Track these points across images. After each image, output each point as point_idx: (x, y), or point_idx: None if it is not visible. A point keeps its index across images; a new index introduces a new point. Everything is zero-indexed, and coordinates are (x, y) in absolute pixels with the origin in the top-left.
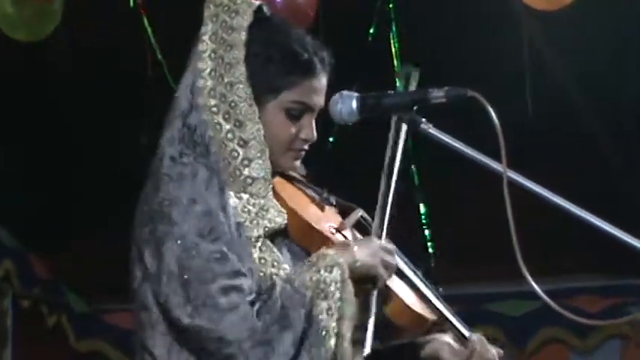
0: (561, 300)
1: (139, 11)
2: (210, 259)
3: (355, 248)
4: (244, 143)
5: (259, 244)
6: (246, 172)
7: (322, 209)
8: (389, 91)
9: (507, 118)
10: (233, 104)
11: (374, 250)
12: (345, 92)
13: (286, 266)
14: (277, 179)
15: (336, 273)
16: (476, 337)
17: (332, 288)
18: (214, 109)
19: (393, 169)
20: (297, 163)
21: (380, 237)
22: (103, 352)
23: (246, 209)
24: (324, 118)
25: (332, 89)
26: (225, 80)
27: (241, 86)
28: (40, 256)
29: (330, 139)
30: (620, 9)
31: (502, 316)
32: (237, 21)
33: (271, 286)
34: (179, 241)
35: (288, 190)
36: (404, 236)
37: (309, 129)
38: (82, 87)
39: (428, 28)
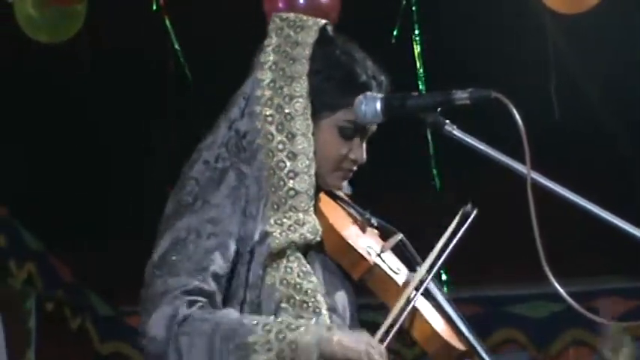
0: (583, 302)
1: (162, 13)
2: (188, 259)
3: (335, 338)
4: (293, 156)
5: (288, 253)
6: (290, 183)
7: (363, 229)
8: (413, 93)
9: (532, 120)
10: (289, 117)
11: (360, 340)
12: (369, 93)
13: (314, 279)
14: (322, 195)
15: (308, 339)
16: None
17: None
18: (269, 118)
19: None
20: (344, 183)
21: (382, 340)
22: (126, 355)
23: (279, 221)
24: None
25: None
26: (285, 92)
27: (301, 100)
28: (64, 259)
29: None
30: None
31: (524, 318)
32: (302, 36)
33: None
34: (174, 235)
35: (330, 206)
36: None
37: (360, 151)
38: (105, 88)
39: (451, 31)
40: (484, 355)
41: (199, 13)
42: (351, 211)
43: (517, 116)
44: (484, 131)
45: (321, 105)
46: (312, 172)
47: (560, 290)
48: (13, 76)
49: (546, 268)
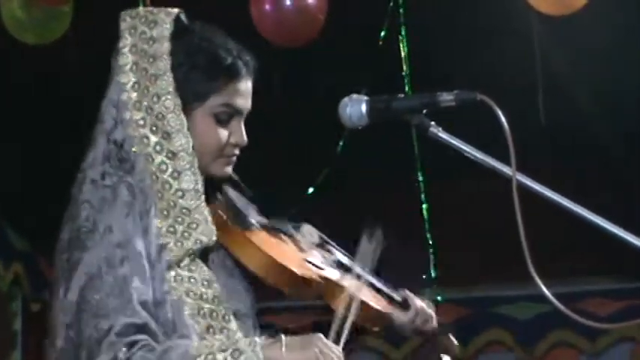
0: (571, 303)
1: None
2: (110, 294)
3: (283, 349)
4: (173, 155)
5: (186, 262)
6: (176, 184)
7: (282, 240)
8: (398, 95)
9: (519, 122)
10: (160, 116)
11: (310, 344)
12: (354, 96)
13: (217, 285)
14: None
15: None
16: (411, 295)
17: None
18: (141, 122)
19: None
20: (229, 169)
21: (336, 341)
22: None
23: (172, 229)
24: (334, 122)
25: (341, 93)
26: (151, 92)
27: (169, 97)
28: (51, 260)
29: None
30: (631, 13)
31: (511, 319)
32: (157, 32)
33: (163, 342)
34: (86, 270)
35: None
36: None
37: (239, 133)
38: (93, 89)
39: (437, 33)
40: (385, 289)
41: (186, 14)
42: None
43: (502, 118)
44: (470, 133)
45: (190, 96)
46: (196, 168)
47: (546, 292)
48: (0, 77)
49: (532, 269)
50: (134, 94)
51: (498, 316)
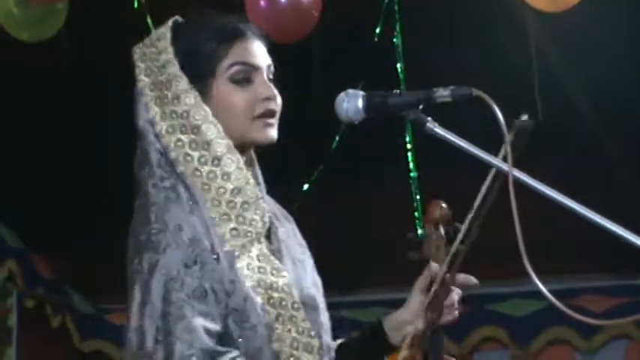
0: (566, 300)
1: (144, 12)
2: (191, 295)
3: None
4: (208, 145)
5: (256, 252)
6: (219, 170)
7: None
8: (395, 90)
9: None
10: (185, 114)
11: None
12: (350, 91)
13: (285, 273)
14: None
15: None
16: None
17: None
18: (170, 129)
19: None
20: (271, 131)
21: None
22: (107, 353)
23: (225, 216)
24: (331, 118)
25: (338, 88)
26: (170, 97)
27: (187, 94)
28: (44, 256)
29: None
30: (626, 9)
31: (506, 315)
32: (161, 44)
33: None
34: (164, 271)
35: None
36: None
37: (264, 86)
38: (87, 87)
39: (433, 30)
40: None
41: (181, 12)
42: None
43: (498, 113)
44: (466, 129)
45: (203, 76)
46: (233, 149)
47: (542, 287)
48: None
49: (527, 266)
50: (157, 109)
51: (493, 313)
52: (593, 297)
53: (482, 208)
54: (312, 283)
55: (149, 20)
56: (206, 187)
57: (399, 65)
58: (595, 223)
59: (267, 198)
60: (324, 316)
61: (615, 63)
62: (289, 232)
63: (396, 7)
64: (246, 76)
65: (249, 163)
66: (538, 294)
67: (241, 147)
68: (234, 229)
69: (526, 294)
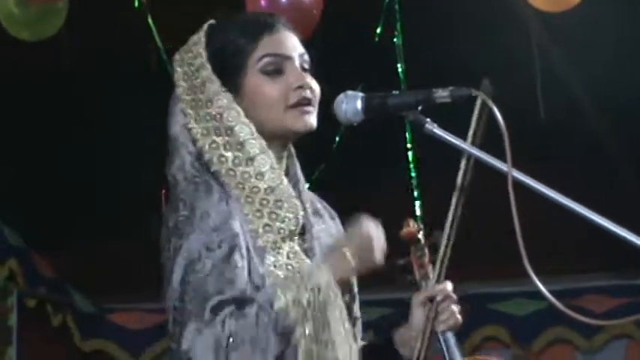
0: (567, 300)
1: (144, 11)
2: (211, 274)
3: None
4: (241, 146)
5: (286, 250)
6: (252, 170)
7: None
8: (394, 91)
9: (517, 119)
10: (218, 117)
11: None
12: (349, 92)
13: None
14: None
15: (321, 293)
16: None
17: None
18: (204, 131)
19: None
20: (308, 119)
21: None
22: (108, 352)
23: (258, 213)
24: (330, 119)
25: (337, 89)
26: (204, 100)
27: (219, 96)
28: (45, 255)
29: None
30: (627, 9)
31: (507, 315)
32: (196, 48)
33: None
34: (186, 255)
35: None
36: None
37: (296, 73)
38: (87, 86)
39: (434, 29)
40: None
41: (182, 11)
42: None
43: (498, 114)
44: (465, 130)
45: (234, 72)
46: (266, 149)
47: (542, 288)
48: None
49: (527, 266)
50: (192, 112)
51: (495, 312)
52: (594, 297)
53: (456, 208)
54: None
55: (149, 19)
56: (240, 185)
57: (399, 65)
58: (596, 224)
59: (309, 193)
60: (353, 316)
61: (618, 62)
62: (330, 228)
63: (396, 7)
64: (277, 67)
65: (287, 157)
66: (540, 293)
67: (280, 139)
68: (267, 225)
69: (528, 294)
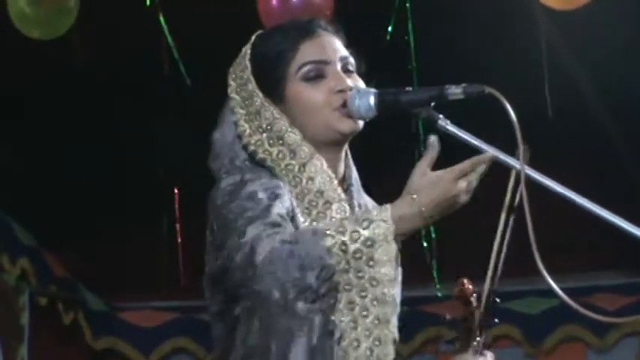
0: (579, 298)
1: (156, 10)
2: (248, 198)
3: (414, 196)
4: (293, 154)
5: None
6: (304, 175)
7: None
8: (407, 88)
9: (526, 117)
10: (269, 127)
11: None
12: (362, 88)
13: None
14: None
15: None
16: None
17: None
18: (259, 142)
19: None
20: (353, 120)
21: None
22: (119, 350)
23: (307, 210)
24: None
25: None
26: (252, 112)
27: (264, 108)
28: (57, 254)
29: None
30: (636, 7)
31: (519, 314)
32: (244, 61)
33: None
34: (222, 194)
35: None
36: None
37: (337, 77)
38: (99, 85)
39: (444, 28)
40: None
41: (194, 9)
42: None
43: (510, 110)
44: (478, 127)
45: (276, 82)
46: (314, 152)
47: (554, 286)
48: (6, 73)
49: (540, 264)
50: (246, 125)
51: (506, 311)
52: (605, 295)
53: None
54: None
55: (161, 17)
56: (292, 183)
57: (411, 64)
58: (607, 221)
59: (365, 199)
60: (394, 313)
61: (626, 60)
62: None
63: (407, 6)
64: (317, 73)
65: (343, 160)
66: (551, 292)
67: (329, 143)
68: (313, 221)
69: (540, 292)
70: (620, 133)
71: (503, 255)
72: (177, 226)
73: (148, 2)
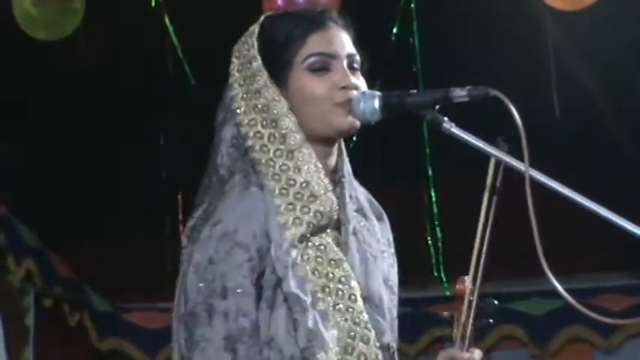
0: (584, 299)
1: (161, 10)
2: (213, 292)
3: None
4: (283, 138)
5: (316, 242)
6: (291, 163)
7: None
8: (411, 90)
9: (532, 118)
10: (265, 108)
11: None
12: (367, 91)
13: (346, 265)
14: None
15: None
16: None
17: None
18: (252, 122)
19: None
20: (351, 118)
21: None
22: (124, 351)
23: (290, 206)
24: None
25: None
26: (253, 90)
27: (267, 88)
28: (62, 255)
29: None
30: None
31: (524, 315)
32: (250, 39)
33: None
34: (192, 269)
35: None
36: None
37: (341, 75)
38: (104, 85)
39: (450, 29)
40: None
41: (198, 10)
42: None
43: (515, 113)
44: (483, 129)
45: (282, 67)
46: (305, 141)
47: (559, 288)
48: (10, 74)
49: (545, 266)
50: (242, 103)
51: (512, 312)
52: (610, 296)
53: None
54: (383, 281)
55: (166, 18)
56: (276, 177)
57: (416, 66)
58: (612, 223)
59: (359, 192)
60: (389, 316)
61: (634, 62)
62: (374, 227)
63: (412, 7)
64: (323, 65)
65: (336, 154)
66: (556, 293)
67: (324, 136)
68: (297, 218)
69: (545, 293)
70: (628, 134)
71: (484, 252)
72: (182, 226)
73: (153, 3)
